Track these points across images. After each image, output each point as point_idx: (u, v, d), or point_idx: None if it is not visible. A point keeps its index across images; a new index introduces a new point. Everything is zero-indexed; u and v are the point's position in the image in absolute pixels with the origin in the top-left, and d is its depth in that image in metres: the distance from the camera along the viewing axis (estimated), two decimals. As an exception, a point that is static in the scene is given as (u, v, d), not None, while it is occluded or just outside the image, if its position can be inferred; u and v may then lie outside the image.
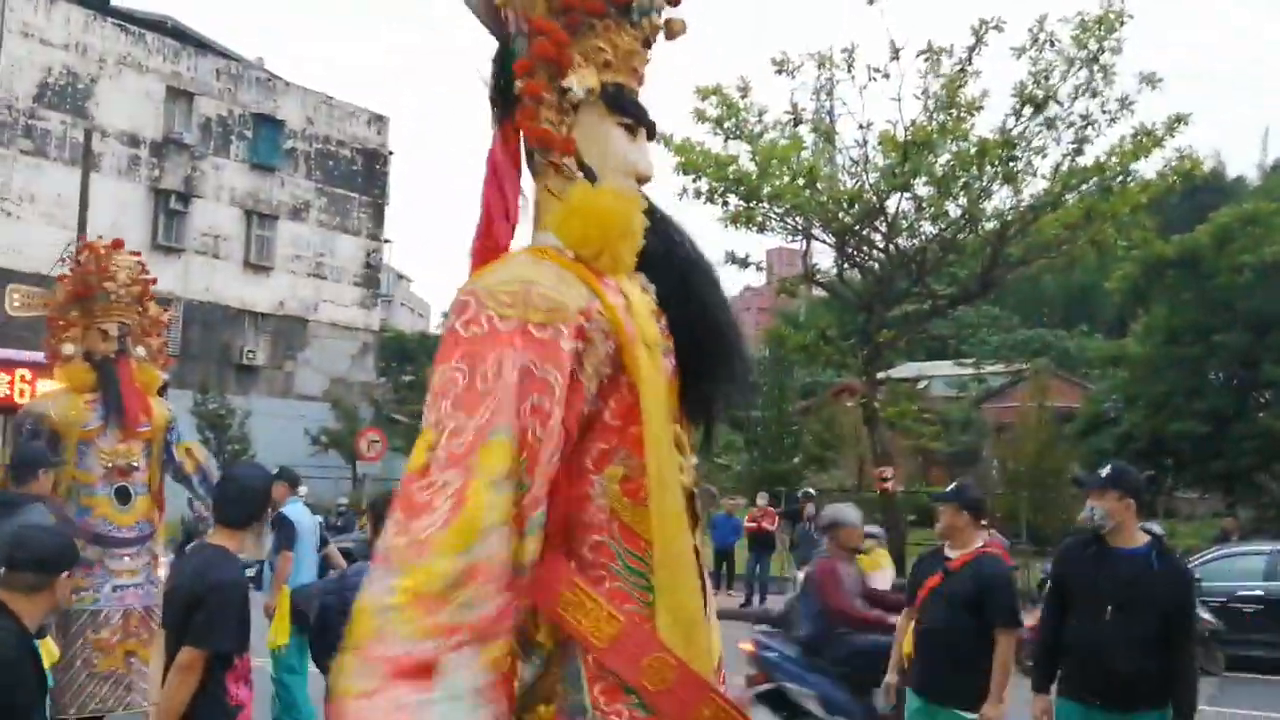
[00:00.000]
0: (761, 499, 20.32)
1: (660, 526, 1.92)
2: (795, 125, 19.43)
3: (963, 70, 18.07)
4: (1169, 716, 4.66)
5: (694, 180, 19.03)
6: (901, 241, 19.82)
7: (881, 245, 20.00)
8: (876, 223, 19.53)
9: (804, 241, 20.64)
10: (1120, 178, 18.31)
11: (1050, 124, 18.13)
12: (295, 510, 8.20)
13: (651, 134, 2.19)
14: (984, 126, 18.67)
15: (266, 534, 5.56)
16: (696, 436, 2.23)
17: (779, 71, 19.20)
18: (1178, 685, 4.66)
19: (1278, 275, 23.27)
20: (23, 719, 3.33)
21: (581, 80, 2.06)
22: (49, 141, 28.39)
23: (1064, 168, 18.31)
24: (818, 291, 23.71)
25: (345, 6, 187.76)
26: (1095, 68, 17.72)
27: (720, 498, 20.46)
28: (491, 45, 2.16)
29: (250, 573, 8.74)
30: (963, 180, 18.30)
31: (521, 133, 2.11)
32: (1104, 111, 17.99)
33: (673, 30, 2.19)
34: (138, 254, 6.98)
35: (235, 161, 32.55)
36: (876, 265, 20.41)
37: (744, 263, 20.79)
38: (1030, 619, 6.31)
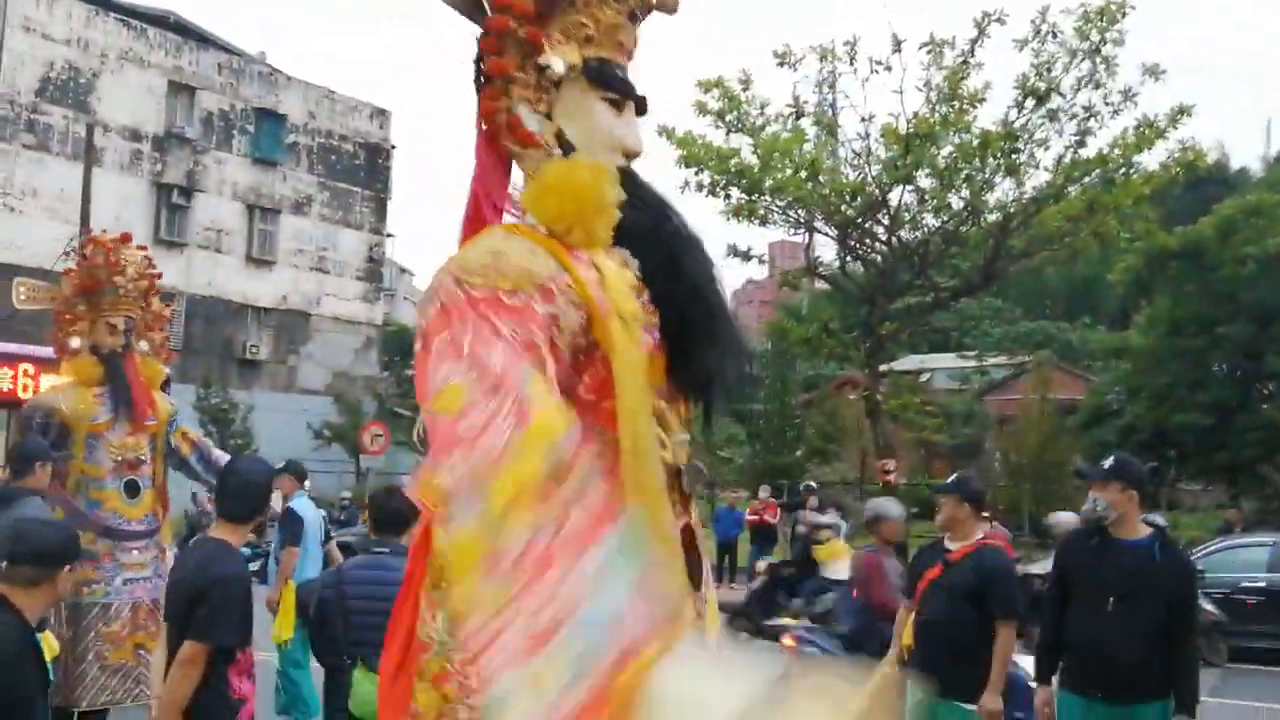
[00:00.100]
0: (763, 492, 20.33)
1: (636, 501, 1.87)
2: (797, 118, 19.43)
3: (965, 62, 18.06)
4: (1171, 708, 4.65)
5: (696, 173, 19.04)
6: (904, 234, 19.83)
7: (884, 238, 20.00)
8: (879, 215, 19.53)
9: (806, 234, 20.65)
10: (1123, 169, 18.30)
11: (1053, 116, 18.13)
12: (302, 505, 8.21)
13: (642, 109, 2.17)
14: (986, 119, 18.70)
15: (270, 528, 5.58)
16: (695, 415, 2.19)
17: (781, 64, 19.20)
18: (1180, 677, 4.66)
19: (1281, 267, 23.25)
20: (25, 712, 3.34)
21: (563, 57, 2.04)
22: (51, 136, 28.40)
23: (1066, 160, 18.30)
24: (820, 284, 23.69)
25: (347, 1, 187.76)
26: (1098, 59, 17.71)
27: (722, 490, 20.46)
28: None
29: (254, 567, 8.77)
30: (965, 172, 18.30)
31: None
32: (1106, 103, 18.00)
33: (665, 2, 2.17)
34: (144, 248, 7.00)
35: (237, 156, 32.55)
36: (879, 258, 20.40)
37: (746, 256, 20.81)
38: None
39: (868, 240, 20.25)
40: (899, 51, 18.18)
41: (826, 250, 21.45)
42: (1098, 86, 17.86)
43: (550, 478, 1.61)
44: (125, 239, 6.81)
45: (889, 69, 18.38)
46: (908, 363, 37.99)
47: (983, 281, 20.50)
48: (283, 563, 7.85)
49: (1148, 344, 26.52)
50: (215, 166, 31.96)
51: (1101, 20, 17.50)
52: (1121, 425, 26.49)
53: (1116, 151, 18.08)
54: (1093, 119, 18.06)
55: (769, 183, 18.80)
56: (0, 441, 11.75)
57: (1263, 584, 13.10)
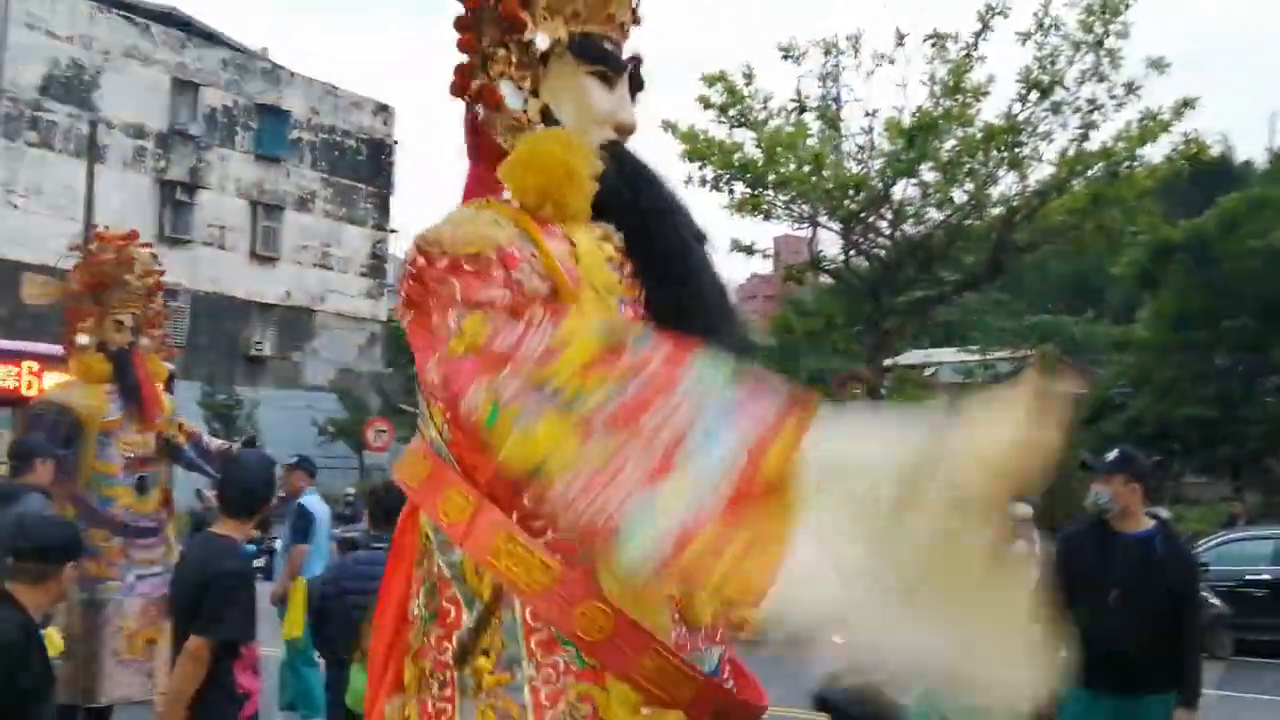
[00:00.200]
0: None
1: None
2: (801, 112, 19.35)
3: (968, 56, 18.00)
4: (1175, 700, 4.65)
5: (700, 167, 18.99)
6: (908, 228, 19.77)
7: (888, 232, 19.95)
8: (883, 209, 19.47)
9: (810, 228, 20.58)
10: (1127, 163, 18.21)
11: (1056, 109, 18.05)
12: (312, 501, 8.18)
13: (638, 84, 2.14)
14: (990, 112, 18.59)
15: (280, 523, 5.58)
16: None
17: (785, 58, 19.13)
18: (1183, 669, 4.66)
19: (1286, 260, 23.20)
20: (28, 707, 3.35)
21: (548, 32, 2.02)
22: (55, 133, 28.43)
23: (1070, 153, 18.22)
24: (824, 279, 23.61)
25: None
26: (1101, 52, 17.63)
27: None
28: None
29: (258, 563, 8.76)
30: (969, 166, 18.25)
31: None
32: (1110, 96, 17.89)
33: None
34: (149, 245, 7.02)
35: (241, 152, 32.57)
36: (883, 252, 20.34)
37: (750, 250, 20.76)
38: None
39: (872, 234, 20.18)
40: (902, 45, 18.14)
41: (831, 244, 21.37)
42: (1101, 79, 17.79)
43: (609, 350, 1.58)
44: (133, 236, 6.83)
45: (892, 62, 18.34)
46: (912, 357, 37.91)
47: (987, 275, 20.42)
48: (292, 559, 7.84)
49: (1152, 337, 26.48)
50: (219, 163, 31.98)
51: (1105, 13, 17.42)
52: (1126, 418, 26.43)
53: (1120, 145, 17.99)
54: (1096, 112, 17.98)
55: (773, 177, 18.74)
56: (6, 438, 11.78)
57: (1267, 576, 13.11)
